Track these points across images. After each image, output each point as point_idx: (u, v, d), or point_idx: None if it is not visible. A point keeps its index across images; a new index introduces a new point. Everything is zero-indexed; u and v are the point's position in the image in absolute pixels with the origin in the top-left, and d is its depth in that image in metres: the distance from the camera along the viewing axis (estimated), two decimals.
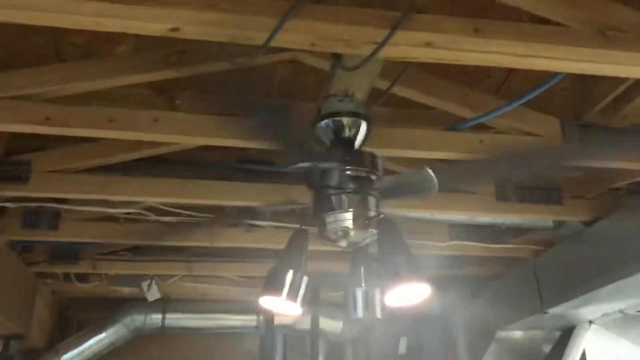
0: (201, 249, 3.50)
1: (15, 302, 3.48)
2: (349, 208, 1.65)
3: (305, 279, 1.65)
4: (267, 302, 1.68)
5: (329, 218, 1.65)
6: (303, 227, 1.73)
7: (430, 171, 1.67)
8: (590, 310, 3.17)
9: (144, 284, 3.85)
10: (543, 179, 2.86)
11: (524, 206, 2.75)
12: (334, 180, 1.67)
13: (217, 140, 2.12)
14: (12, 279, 3.32)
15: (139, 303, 4.16)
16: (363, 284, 1.78)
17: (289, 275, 1.63)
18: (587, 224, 2.88)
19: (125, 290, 3.96)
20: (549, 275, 3.19)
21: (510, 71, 2.42)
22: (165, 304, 4.22)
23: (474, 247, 3.24)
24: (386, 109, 2.46)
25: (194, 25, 1.48)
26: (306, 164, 1.65)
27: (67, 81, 2.05)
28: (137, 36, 2.22)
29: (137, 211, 2.85)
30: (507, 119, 2.26)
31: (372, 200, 1.68)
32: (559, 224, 3.04)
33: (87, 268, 3.59)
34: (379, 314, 1.78)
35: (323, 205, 1.68)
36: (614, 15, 1.69)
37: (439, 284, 3.96)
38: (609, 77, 2.27)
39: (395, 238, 1.58)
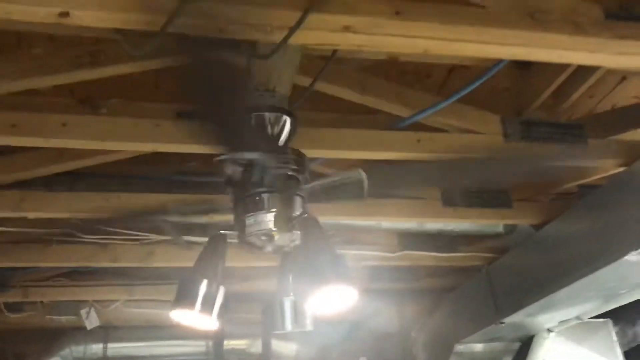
0: (143, 271, 3.30)
1: None
2: (270, 208, 1.50)
3: (221, 289, 1.49)
4: (178, 315, 1.51)
5: (249, 220, 1.50)
6: (221, 231, 1.57)
7: (362, 173, 1.56)
8: (547, 317, 3.08)
9: (83, 312, 3.61)
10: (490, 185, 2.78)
11: (472, 210, 2.65)
12: (255, 177, 1.53)
13: (131, 144, 1.96)
14: None
15: (78, 332, 3.89)
16: (291, 294, 1.63)
17: (203, 285, 1.47)
18: (537, 227, 2.79)
19: (63, 319, 3.70)
20: (503, 283, 3.10)
21: (450, 70, 2.36)
22: (106, 332, 3.96)
23: (426, 257, 3.12)
24: (326, 114, 2.36)
25: (84, 10, 1.33)
26: (231, 155, 1.50)
27: None
28: (50, 38, 2.09)
29: (63, 231, 2.65)
30: (446, 117, 2.17)
31: (296, 200, 1.55)
32: (510, 229, 2.95)
33: (18, 296, 3.34)
34: (310, 326, 1.63)
35: (243, 206, 1.54)
36: None
37: (396, 298, 3.90)
38: (547, 73, 2.22)
39: (318, 239, 1.44)
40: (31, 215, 2.36)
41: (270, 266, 2.51)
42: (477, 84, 1.97)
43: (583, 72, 2.13)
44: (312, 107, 2.35)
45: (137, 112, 2.23)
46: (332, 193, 1.65)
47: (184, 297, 1.47)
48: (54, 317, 3.66)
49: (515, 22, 1.55)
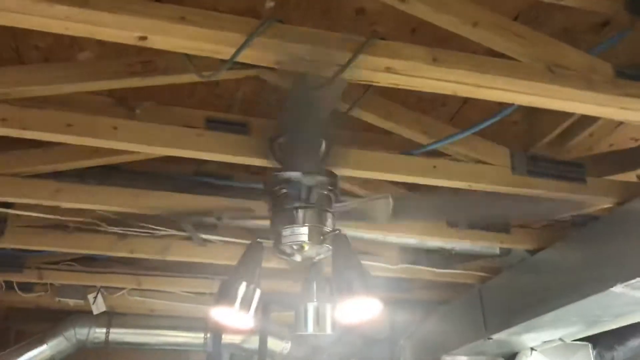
0: (151, 262, 3.45)
1: None
2: (305, 223, 1.68)
3: (258, 291, 1.67)
4: (219, 313, 1.69)
5: (286, 231, 1.68)
6: (259, 239, 1.75)
7: (391, 201, 1.74)
8: (531, 337, 3.26)
9: (90, 296, 3.76)
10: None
11: (473, 233, 2.84)
12: (293, 194, 1.71)
13: (176, 151, 2.12)
14: None
15: (84, 316, 4.04)
16: (315, 299, 1.80)
17: (242, 287, 1.64)
18: (532, 252, 2.99)
19: (71, 302, 3.84)
20: (493, 301, 3.28)
21: (465, 101, 2.53)
22: (110, 318, 4.11)
23: (423, 272, 3.31)
24: (347, 131, 2.53)
25: (161, 36, 1.50)
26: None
27: (27, 83, 2.03)
28: (100, 43, 2.24)
29: (88, 220, 2.80)
30: (460, 146, 2.35)
31: (328, 217, 1.72)
32: (505, 252, 3.14)
33: (32, 277, 3.48)
34: (329, 330, 1.81)
35: (280, 218, 1.71)
36: (561, 55, 1.80)
37: (389, 306, 4.07)
38: (555, 112, 2.40)
39: (348, 254, 1.62)
40: (65, 205, 2.51)
41: (272, 267, 2.68)
42: (493, 120, 2.16)
43: (590, 118, 2.32)
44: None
45: (169, 116, 2.38)
46: (358, 214, 1.83)
47: (225, 297, 1.64)
48: (63, 299, 3.80)
49: (536, 75, 1.74)
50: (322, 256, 1.75)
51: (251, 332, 4.14)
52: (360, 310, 1.60)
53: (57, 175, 2.50)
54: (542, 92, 1.75)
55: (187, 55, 1.65)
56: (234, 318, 1.67)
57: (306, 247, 1.70)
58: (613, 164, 2.50)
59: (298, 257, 1.75)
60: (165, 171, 2.72)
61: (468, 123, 2.33)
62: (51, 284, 3.74)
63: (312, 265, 1.81)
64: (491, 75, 1.68)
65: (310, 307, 1.79)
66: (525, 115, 2.61)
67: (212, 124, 2.37)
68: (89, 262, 3.51)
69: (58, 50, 2.21)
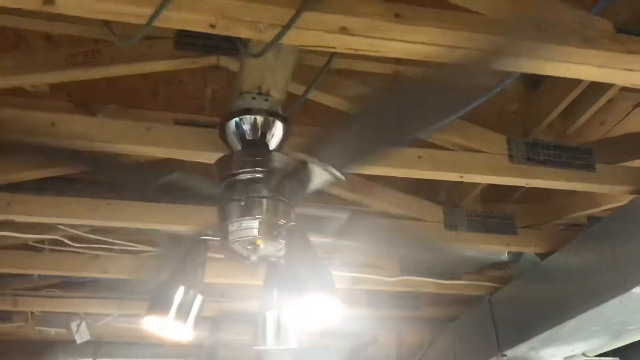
0: (133, 284, 3.21)
1: None
2: (256, 215, 1.43)
3: (199, 297, 1.41)
4: (151, 323, 1.43)
5: (233, 226, 1.43)
6: (202, 237, 1.49)
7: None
8: (551, 352, 2.94)
9: (73, 325, 3.52)
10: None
11: (475, 235, 2.55)
12: (240, 184, 1.46)
13: (124, 147, 1.90)
14: None
15: (68, 346, 3.80)
16: (275, 307, 1.54)
17: (179, 292, 1.38)
18: (543, 256, 2.69)
19: (52, 332, 3.61)
20: (505, 313, 2.98)
21: None
22: (96, 347, 3.87)
23: (426, 284, 3.01)
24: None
25: None
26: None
27: None
28: (47, 37, 2.07)
29: (55, 238, 2.58)
30: (449, 134, 2.10)
31: (282, 207, 1.47)
32: (514, 258, 2.84)
33: (7, 304, 3.26)
34: (293, 343, 1.53)
35: (228, 212, 1.46)
36: (551, 11, 1.55)
37: (395, 326, 3.78)
38: (553, 91, 2.15)
39: (303, 248, 1.36)
40: (18, 218, 2.30)
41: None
42: (482, 99, 1.89)
43: (592, 92, 2.05)
44: (308, 116, 2.31)
45: (134, 118, 2.18)
46: (313, 223, 1.59)
47: (158, 304, 1.38)
48: (43, 328, 3.57)
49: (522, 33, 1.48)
50: (281, 254, 1.49)
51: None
52: (317, 310, 1.33)
53: (11, 187, 2.29)
54: (530, 53, 1.49)
55: (105, 22, 1.43)
56: (170, 328, 1.41)
57: (260, 244, 1.44)
58: (626, 149, 2.21)
59: (253, 257, 1.49)
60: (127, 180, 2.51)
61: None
62: (31, 312, 3.51)
63: (270, 267, 1.55)
64: (465, 32, 1.43)
65: (269, 317, 1.53)
66: (525, 102, 2.36)
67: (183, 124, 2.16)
68: (68, 287, 3.29)
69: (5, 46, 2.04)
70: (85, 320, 3.53)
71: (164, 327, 1.41)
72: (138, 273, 2.82)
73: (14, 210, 2.23)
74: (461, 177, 2.05)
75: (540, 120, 2.18)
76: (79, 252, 2.74)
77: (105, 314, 3.57)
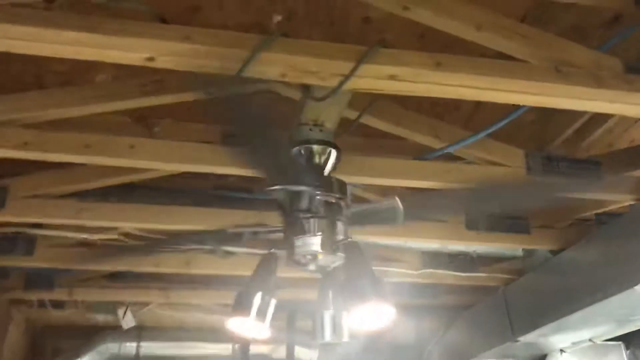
0: (178, 276, 3.52)
1: None
2: (317, 232, 1.70)
3: (273, 301, 1.69)
4: (235, 323, 1.71)
5: (298, 242, 1.70)
6: (272, 250, 1.77)
7: (398, 201, 1.75)
8: (560, 338, 3.22)
9: (120, 312, 3.83)
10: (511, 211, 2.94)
11: (493, 235, 2.82)
12: (304, 204, 1.73)
13: (194, 166, 2.17)
14: None
15: (114, 331, 4.14)
16: (331, 308, 1.82)
17: (258, 297, 1.67)
18: (555, 252, 2.95)
19: (100, 318, 3.94)
20: (519, 303, 3.25)
21: (478, 104, 2.53)
22: (140, 332, 4.20)
23: (446, 276, 3.30)
24: (359, 138, 2.55)
25: (168, 56, 1.55)
26: (281, 187, 1.71)
27: (46, 107, 2.11)
28: (116, 65, 2.31)
29: (113, 237, 2.87)
30: (473, 149, 2.35)
31: (340, 225, 1.74)
32: (528, 253, 3.11)
33: (63, 295, 3.57)
34: (346, 337, 1.82)
35: (293, 229, 1.73)
36: (568, 52, 1.80)
37: (415, 313, 4.06)
38: (569, 111, 2.39)
39: (361, 262, 1.64)
40: (89, 223, 2.58)
41: (296, 277, 2.71)
42: (504, 122, 2.15)
43: (604, 115, 2.30)
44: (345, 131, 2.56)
45: (186, 132, 2.44)
46: (370, 218, 1.84)
47: (241, 307, 1.67)
48: (93, 315, 3.89)
49: (542, 75, 1.73)
50: (336, 264, 1.76)
51: (279, 342, 4.17)
52: (374, 317, 1.62)
53: (80, 195, 2.57)
54: (549, 92, 1.75)
55: (194, 73, 1.69)
56: (250, 328, 1.70)
57: (319, 257, 1.72)
58: (630, 161, 2.46)
59: (312, 266, 1.76)
60: (185, 186, 2.78)
61: (482, 126, 2.33)
62: (82, 301, 3.82)
63: (326, 274, 1.83)
64: (494, 77, 1.69)
65: (327, 315, 1.81)
66: (540, 116, 2.60)
67: (229, 139, 2.41)
68: (117, 278, 3.59)
69: (76, 74, 2.28)
70: (130, 308, 3.84)
71: (245, 327, 1.69)
72: (186, 267, 3.12)
73: (85, 216, 2.51)
74: None
75: (555, 136, 2.43)
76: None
77: (149, 302, 3.88)
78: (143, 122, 2.54)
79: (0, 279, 3.42)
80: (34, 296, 3.70)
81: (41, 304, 3.81)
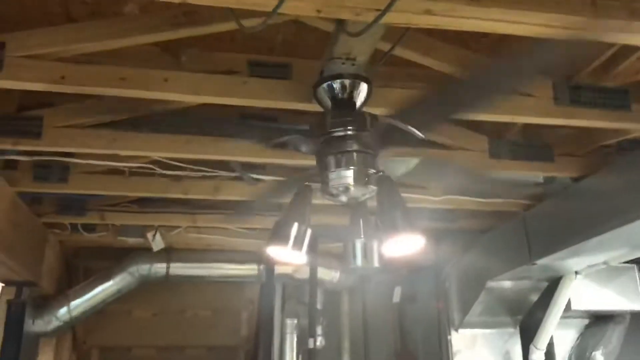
0: (205, 201, 3.63)
1: (27, 251, 3.63)
2: (350, 166, 1.76)
3: (309, 231, 1.79)
4: (273, 251, 1.82)
5: (332, 175, 1.76)
6: (307, 183, 1.84)
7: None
8: (576, 261, 3.33)
9: (149, 235, 3.99)
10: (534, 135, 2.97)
11: (516, 163, 2.87)
12: (336, 139, 1.78)
13: (223, 99, 2.21)
14: (24, 229, 3.46)
15: (144, 253, 4.32)
16: (362, 236, 1.91)
17: (294, 227, 1.76)
18: (576, 180, 3.00)
19: (131, 241, 4.10)
20: (538, 228, 3.34)
21: None
22: (169, 254, 4.39)
23: (467, 202, 3.38)
24: (387, 67, 2.55)
25: None
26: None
27: (78, 41, 2.12)
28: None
29: (144, 165, 2.95)
30: None
31: (371, 159, 1.80)
32: (549, 180, 3.17)
33: (94, 219, 3.73)
34: (376, 263, 1.92)
35: (326, 163, 1.79)
36: None
37: (433, 236, 4.18)
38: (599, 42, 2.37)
39: (392, 194, 1.71)
40: (121, 153, 2.66)
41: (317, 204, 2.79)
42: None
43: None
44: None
45: (212, 61, 2.45)
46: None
47: (279, 237, 1.76)
48: (123, 238, 4.06)
49: (576, 8, 1.72)
50: (367, 196, 1.83)
51: (302, 264, 4.33)
52: (405, 245, 1.70)
53: (112, 125, 2.63)
54: (585, 26, 1.74)
55: (230, 8, 1.70)
56: (288, 256, 1.80)
57: (351, 189, 1.79)
58: None
59: (344, 198, 1.84)
60: (211, 116, 2.82)
61: (509, 53, 2.32)
62: (112, 225, 3.98)
63: (357, 204, 1.91)
64: (530, 11, 1.68)
65: (358, 244, 1.90)
66: None
67: (255, 68, 2.43)
68: (146, 203, 3.71)
69: (104, 4, 2.28)
70: (159, 231, 3.99)
71: (284, 254, 1.80)
72: (214, 193, 3.22)
73: (119, 146, 2.58)
74: (513, 119, 2.33)
75: (584, 66, 2.41)
76: (162, 176, 3.13)
77: (177, 226, 4.02)
78: (170, 52, 2.56)
79: (36, 204, 3.56)
80: (67, 220, 3.86)
81: (74, 227, 3.97)
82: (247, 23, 1.86)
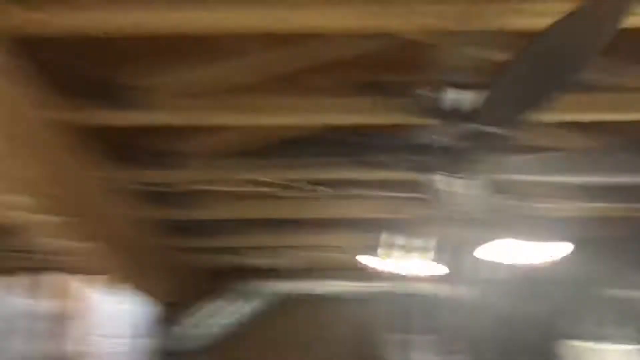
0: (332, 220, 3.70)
1: (164, 273, 3.87)
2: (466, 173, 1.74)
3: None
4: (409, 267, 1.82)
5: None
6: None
7: None
8: None
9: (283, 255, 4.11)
10: None
11: None
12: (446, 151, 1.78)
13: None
14: (159, 252, 3.71)
15: (276, 273, 4.49)
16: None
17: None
18: None
19: (261, 261, 4.25)
20: None
21: None
22: (303, 273, 4.53)
23: (605, 208, 3.17)
24: None
25: None
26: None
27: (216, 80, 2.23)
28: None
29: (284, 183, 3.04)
30: None
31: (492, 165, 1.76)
32: None
33: (228, 242, 3.94)
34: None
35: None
36: None
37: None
38: None
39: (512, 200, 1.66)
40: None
41: None
42: None
43: None
44: None
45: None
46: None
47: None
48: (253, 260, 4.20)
49: None
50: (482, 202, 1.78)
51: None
52: (534, 253, 1.66)
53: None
54: None
55: None
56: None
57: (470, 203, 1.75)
58: None
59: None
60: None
61: None
62: (244, 247, 4.16)
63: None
64: None
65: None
66: None
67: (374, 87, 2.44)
68: (277, 225, 3.79)
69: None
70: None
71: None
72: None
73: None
74: None
75: None
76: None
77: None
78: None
79: (171, 228, 3.73)
80: (201, 243, 4.04)
81: (207, 250, 4.18)
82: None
